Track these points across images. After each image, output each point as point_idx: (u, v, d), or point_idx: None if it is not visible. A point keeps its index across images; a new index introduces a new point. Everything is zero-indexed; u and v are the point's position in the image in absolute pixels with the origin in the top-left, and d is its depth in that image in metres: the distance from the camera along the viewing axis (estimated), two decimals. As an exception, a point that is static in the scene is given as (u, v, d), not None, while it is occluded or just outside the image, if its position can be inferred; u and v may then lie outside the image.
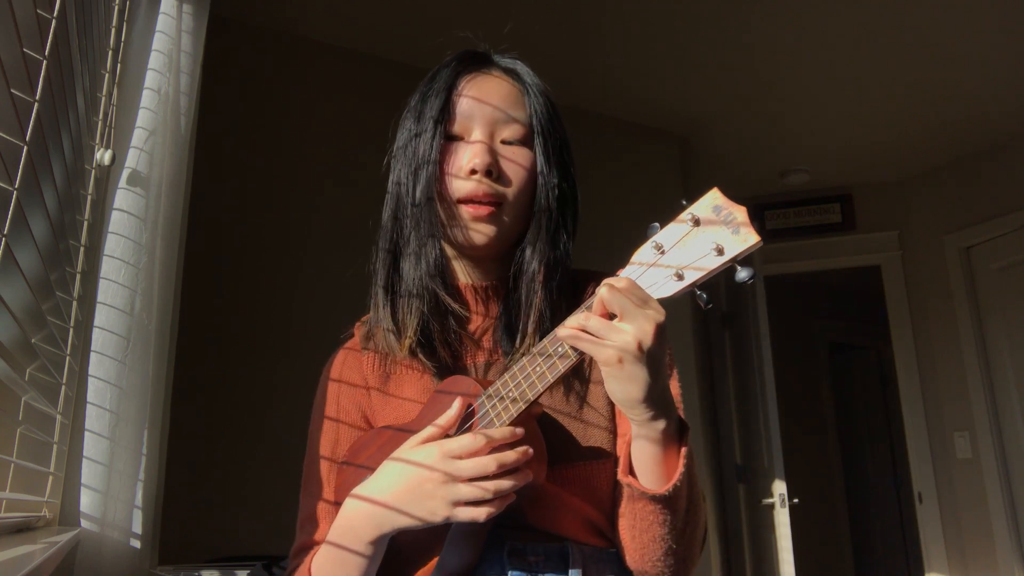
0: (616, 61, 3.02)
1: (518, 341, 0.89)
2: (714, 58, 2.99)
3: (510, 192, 0.89)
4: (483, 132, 0.90)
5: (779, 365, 3.92)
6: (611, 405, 0.91)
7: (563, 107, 0.97)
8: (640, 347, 0.72)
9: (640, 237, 0.80)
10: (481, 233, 0.89)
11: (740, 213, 0.74)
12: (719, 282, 4.00)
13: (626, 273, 0.78)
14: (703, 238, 0.75)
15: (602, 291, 0.74)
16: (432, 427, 0.80)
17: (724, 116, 3.44)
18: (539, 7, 2.64)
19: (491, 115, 0.90)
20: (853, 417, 6.04)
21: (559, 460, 0.84)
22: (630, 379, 0.73)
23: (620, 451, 0.88)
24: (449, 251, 0.94)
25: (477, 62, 0.95)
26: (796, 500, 3.72)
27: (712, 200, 0.76)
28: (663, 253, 0.77)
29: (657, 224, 0.78)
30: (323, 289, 2.58)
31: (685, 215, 0.76)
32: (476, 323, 0.94)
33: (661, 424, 0.77)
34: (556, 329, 0.79)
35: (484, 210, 0.87)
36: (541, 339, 0.87)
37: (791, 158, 3.88)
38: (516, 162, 0.90)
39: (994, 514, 3.55)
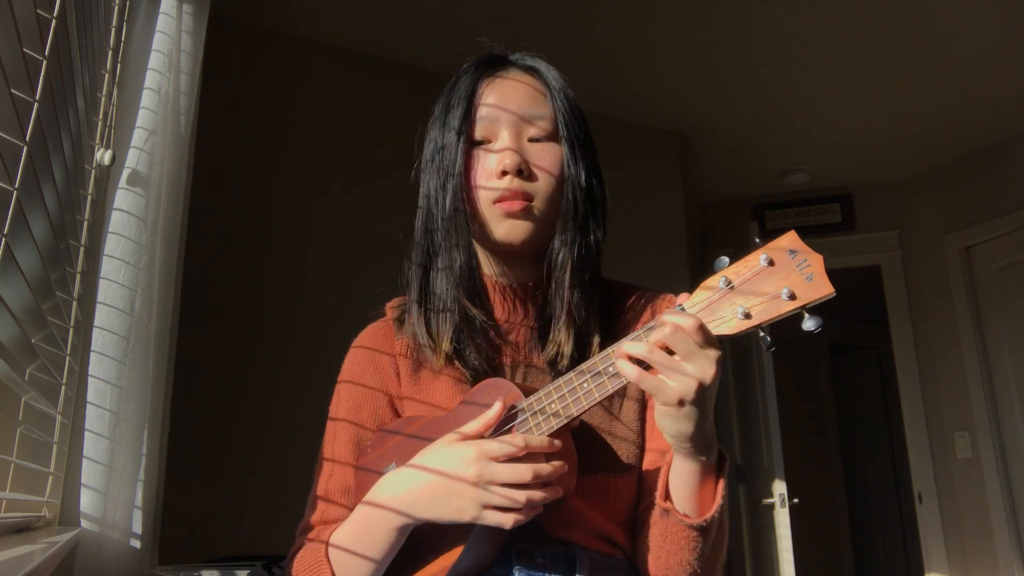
0: (616, 61, 3.02)
1: (551, 340, 0.90)
2: (714, 58, 2.99)
3: (541, 188, 0.89)
4: (509, 134, 0.90)
5: (779, 365, 3.92)
6: (641, 420, 0.92)
7: (584, 113, 0.97)
8: (701, 388, 0.73)
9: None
10: (516, 230, 0.89)
11: (816, 261, 0.74)
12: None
13: (693, 302, 0.78)
14: (775, 280, 0.75)
15: (666, 330, 0.73)
16: (476, 422, 0.80)
17: (724, 116, 3.44)
18: (539, 6, 2.64)
19: (515, 117, 0.90)
20: (853, 417, 6.04)
21: (582, 470, 0.85)
22: (686, 418, 0.74)
23: (647, 466, 0.90)
24: (483, 256, 0.95)
25: (496, 64, 0.95)
26: (796, 500, 3.72)
27: (789, 243, 0.76)
28: (732, 289, 0.76)
29: (726, 258, 0.78)
30: (323, 288, 2.58)
31: (759, 254, 0.76)
32: (510, 325, 0.94)
33: (703, 456, 0.78)
34: (610, 350, 0.78)
35: (517, 204, 0.87)
36: (575, 339, 0.89)
37: (791, 158, 3.88)
38: (545, 159, 0.90)
39: (994, 514, 3.55)
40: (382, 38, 2.83)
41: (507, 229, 0.89)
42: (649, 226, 3.32)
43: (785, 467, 3.69)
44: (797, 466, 4.42)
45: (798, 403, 5.22)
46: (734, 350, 4.05)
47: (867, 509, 5.90)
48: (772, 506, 3.69)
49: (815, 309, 0.74)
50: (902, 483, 5.39)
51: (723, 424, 4.02)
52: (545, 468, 0.76)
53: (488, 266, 0.95)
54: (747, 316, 0.75)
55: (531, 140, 0.91)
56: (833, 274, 0.74)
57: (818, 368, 5.68)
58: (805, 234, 0.77)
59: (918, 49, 2.93)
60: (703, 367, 0.72)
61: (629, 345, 0.75)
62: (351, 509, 0.86)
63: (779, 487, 3.67)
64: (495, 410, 0.80)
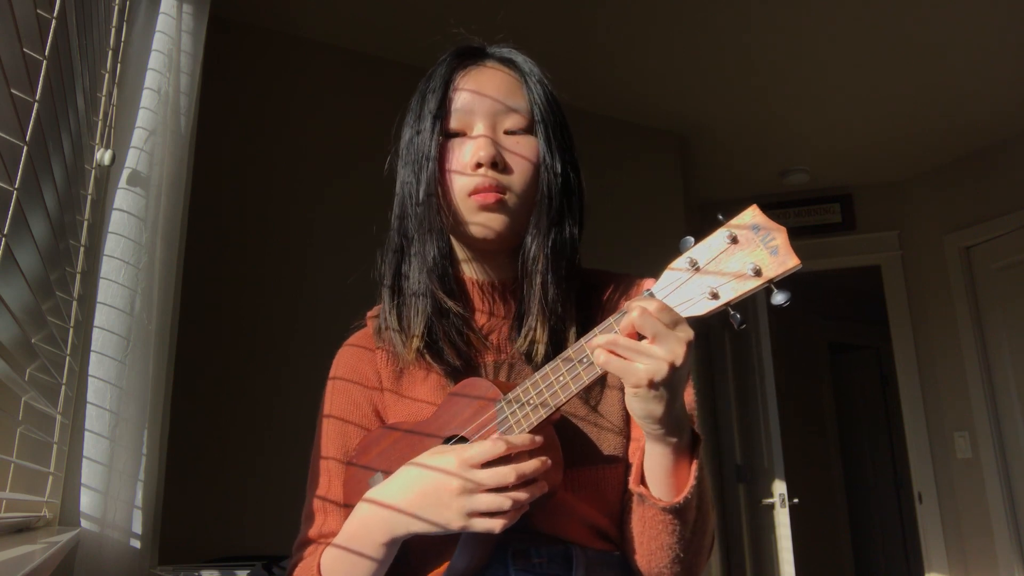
0: (616, 61, 3.02)
1: (524, 335, 0.88)
2: (714, 58, 2.99)
3: (516, 181, 0.88)
4: (485, 125, 0.89)
5: (779, 365, 3.92)
6: (625, 409, 0.91)
7: (562, 107, 0.96)
8: (671, 369, 0.72)
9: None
10: (491, 223, 0.87)
11: (780, 235, 0.73)
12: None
13: (659, 286, 0.77)
14: (740, 257, 0.74)
15: (633, 314, 0.73)
16: (475, 447, 0.77)
17: (724, 116, 3.44)
18: (538, 6, 2.64)
19: (491, 107, 0.89)
20: (853, 417, 6.05)
21: (570, 464, 0.84)
22: (657, 400, 0.73)
23: (632, 457, 0.88)
24: (460, 252, 0.94)
25: (473, 55, 0.94)
26: (796, 500, 3.72)
27: (751, 218, 0.74)
28: (697, 270, 0.75)
29: (691, 238, 0.77)
30: (324, 288, 2.58)
31: (723, 232, 0.75)
32: (485, 321, 0.93)
33: (675, 438, 0.77)
34: (583, 341, 0.78)
35: (491, 197, 0.86)
36: (550, 334, 0.88)
37: (791, 158, 3.88)
38: (520, 151, 0.89)
39: (994, 514, 3.55)
40: (382, 38, 2.83)
41: (482, 222, 0.88)
42: (649, 226, 3.32)
43: (785, 467, 3.69)
44: (797, 466, 4.42)
45: (798, 403, 5.22)
46: (735, 351, 4.06)
47: (867, 509, 5.90)
48: (772, 506, 3.69)
49: (783, 282, 0.73)
50: (902, 483, 5.40)
51: (723, 424, 4.02)
52: (528, 466, 0.75)
53: (466, 264, 0.94)
54: (715, 296, 0.74)
55: (507, 132, 0.90)
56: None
57: (818, 368, 5.68)
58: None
59: (918, 50, 2.93)
60: (672, 348, 0.71)
61: (599, 338, 0.76)
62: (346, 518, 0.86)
63: (779, 487, 3.67)
64: (496, 449, 0.76)
